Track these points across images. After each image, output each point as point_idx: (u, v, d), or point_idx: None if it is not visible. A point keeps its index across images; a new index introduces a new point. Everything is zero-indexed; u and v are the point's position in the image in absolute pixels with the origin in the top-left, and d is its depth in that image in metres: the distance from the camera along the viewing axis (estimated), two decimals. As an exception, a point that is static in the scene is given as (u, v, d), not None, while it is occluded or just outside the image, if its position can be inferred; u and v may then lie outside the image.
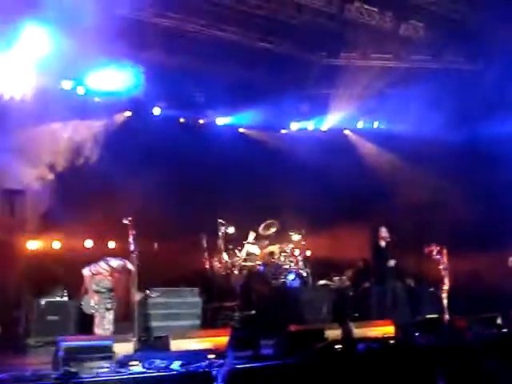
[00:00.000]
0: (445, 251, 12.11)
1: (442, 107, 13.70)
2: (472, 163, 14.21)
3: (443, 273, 11.84)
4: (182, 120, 13.86)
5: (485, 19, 12.00)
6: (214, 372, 5.59)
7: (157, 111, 13.24)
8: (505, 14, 11.77)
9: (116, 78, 11.91)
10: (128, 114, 13.00)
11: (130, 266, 9.03)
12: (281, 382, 7.30)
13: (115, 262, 9.31)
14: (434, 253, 11.99)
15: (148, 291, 10.01)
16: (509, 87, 13.06)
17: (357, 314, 11.33)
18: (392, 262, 11.50)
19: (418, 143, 14.52)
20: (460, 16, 12.15)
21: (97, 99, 12.20)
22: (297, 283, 11.82)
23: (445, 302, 11.50)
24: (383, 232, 11.76)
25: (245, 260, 11.66)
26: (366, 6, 11.85)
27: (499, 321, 10.57)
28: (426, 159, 14.41)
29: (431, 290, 12.05)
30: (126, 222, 8.77)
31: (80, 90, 11.95)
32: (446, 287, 11.61)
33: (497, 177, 13.67)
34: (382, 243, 11.76)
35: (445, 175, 14.09)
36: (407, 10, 12.06)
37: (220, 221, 11.53)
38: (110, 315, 9.17)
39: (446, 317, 11.21)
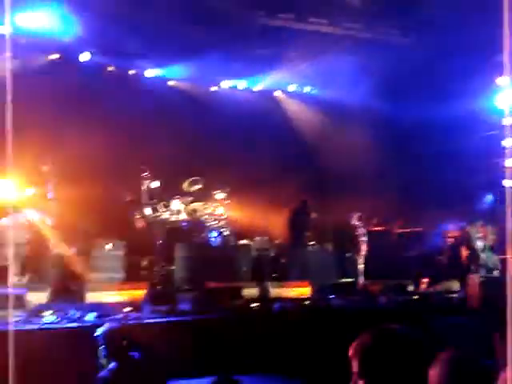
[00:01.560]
0: (363, 218, 12.46)
1: (370, 77, 13.88)
2: (392, 135, 14.57)
3: (361, 239, 12.20)
4: (110, 68, 13.43)
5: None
6: (98, 332, 5.50)
7: (85, 57, 12.77)
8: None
9: (45, 19, 11.40)
10: (55, 56, 12.50)
11: (47, 220, 8.83)
12: (196, 336, 7.36)
13: (33, 215, 9.08)
14: (353, 219, 12.31)
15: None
16: (437, 64, 13.34)
17: (275, 275, 11.50)
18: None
19: (345, 110, 14.74)
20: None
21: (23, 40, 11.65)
22: (218, 241, 11.85)
23: (360, 267, 11.86)
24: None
25: (168, 215, 11.56)
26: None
27: (410, 287, 11.01)
28: (352, 127, 14.65)
29: (348, 254, 12.35)
30: (45, 168, 8.50)
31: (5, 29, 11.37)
32: (362, 253, 11.98)
33: (412, 151, 14.09)
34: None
35: (368, 144, 14.39)
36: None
37: (144, 174, 11.36)
38: (24, 266, 8.96)
39: (361, 281, 11.58)
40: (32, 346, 5.99)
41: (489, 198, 13.07)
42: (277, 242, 12.97)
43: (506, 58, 2.83)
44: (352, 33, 13.45)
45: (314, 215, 12.46)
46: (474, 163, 13.53)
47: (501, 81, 13.05)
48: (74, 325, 6.96)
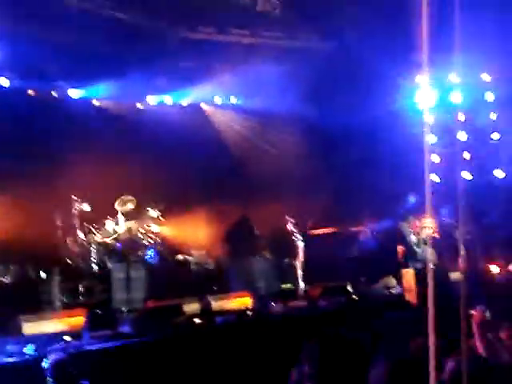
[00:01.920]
0: (299, 223, 12.60)
1: (295, 85, 14.08)
2: (321, 142, 14.79)
3: (298, 244, 12.32)
4: (30, 92, 13.08)
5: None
6: (45, 364, 5.37)
7: (4, 82, 12.43)
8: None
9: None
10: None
11: None
12: (140, 359, 7.26)
13: None
14: (290, 225, 12.42)
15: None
16: (359, 67, 13.65)
17: (215, 288, 11.46)
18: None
19: (274, 119, 14.89)
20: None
21: None
22: (155, 259, 11.74)
23: (299, 272, 11.97)
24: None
25: (101, 237, 11.37)
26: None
27: (349, 288, 11.18)
28: (282, 135, 14.82)
29: (286, 261, 12.44)
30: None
31: None
32: (301, 259, 12.09)
33: (341, 154, 14.34)
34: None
35: (298, 151, 14.57)
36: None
37: (74, 197, 11.14)
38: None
39: (301, 287, 11.68)
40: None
41: (412, 198, 13.41)
42: (215, 255, 12.94)
43: (424, 56, 2.94)
44: (272, 41, 13.65)
45: (252, 227, 12.57)
46: (401, 161, 13.89)
47: (419, 79, 13.47)
48: (13, 359, 6.74)
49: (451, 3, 3.05)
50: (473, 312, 5.09)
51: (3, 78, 12.37)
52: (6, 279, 10.05)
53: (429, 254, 12.11)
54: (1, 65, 11.87)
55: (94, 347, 7.33)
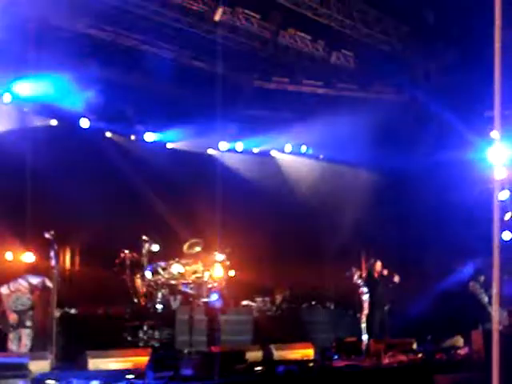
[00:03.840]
0: (364, 275, 12.42)
1: (365, 135, 14.10)
2: (387, 191, 14.67)
3: (362, 297, 12.12)
4: (108, 134, 13.59)
5: (413, 53, 12.50)
6: None
7: (85, 123, 12.97)
8: (434, 47, 12.30)
9: (44, 87, 11.67)
10: (54, 122, 12.71)
11: (48, 283, 8.83)
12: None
13: (34, 279, 9.10)
14: (355, 277, 12.26)
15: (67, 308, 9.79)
16: (429, 120, 13.59)
17: (278, 337, 11.38)
18: None
19: (341, 167, 14.92)
20: (390, 48, 12.60)
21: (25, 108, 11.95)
22: (219, 303, 11.78)
23: (363, 325, 11.75)
24: None
25: (168, 279, 11.53)
26: (299, 33, 12.12)
27: (415, 346, 10.90)
28: (349, 184, 14.79)
29: (350, 313, 12.27)
30: (47, 236, 8.52)
31: (6, 98, 11.69)
32: (365, 311, 11.87)
33: (409, 205, 14.14)
34: None
35: (363, 201, 14.50)
36: (339, 39, 12.42)
37: (144, 238, 11.39)
38: (28, 333, 8.92)
39: (364, 340, 11.45)
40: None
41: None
42: (278, 303, 12.90)
43: (496, 112, 2.94)
44: (345, 93, 13.78)
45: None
46: (472, 217, 13.60)
47: (493, 135, 13.26)
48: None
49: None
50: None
51: (85, 120, 12.91)
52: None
53: (497, 314, 11.72)
54: (84, 107, 12.38)
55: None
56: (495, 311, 4.13)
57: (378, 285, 12.45)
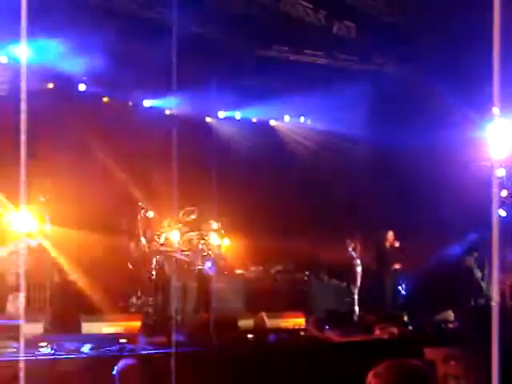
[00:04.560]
0: (359, 248, 12.49)
1: (365, 108, 14.03)
2: (382, 163, 14.65)
3: (356, 269, 12.20)
4: (105, 99, 13.49)
5: (417, 25, 12.36)
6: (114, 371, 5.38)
7: (82, 88, 12.87)
8: (436, 21, 12.17)
9: (41, 50, 11.54)
10: (50, 85, 12.60)
11: (46, 246, 8.85)
12: (192, 368, 7.32)
13: (32, 242, 9.12)
14: (350, 249, 12.33)
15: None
16: (430, 95, 13.48)
17: (270, 306, 11.47)
18: None
19: (340, 140, 14.86)
20: (393, 20, 12.46)
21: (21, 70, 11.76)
22: (213, 271, 11.84)
23: (356, 297, 11.85)
24: None
25: (163, 245, 11.56)
26: (301, 1, 11.97)
27: (406, 318, 11.00)
28: (347, 156, 14.75)
29: (344, 284, 12.35)
30: (42, 199, 8.52)
31: (3, 59, 11.56)
32: (358, 283, 11.98)
33: (405, 180, 14.12)
34: None
35: (360, 174, 14.49)
36: (341, 9, 12.26)
37: (140, 204, 11.39)
38: (24, 295, 8.95)
39: (356, 312, 11.56)
40: (28, 378, 5.94)
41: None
42: (272, 272, 12.96)
43: (495, 88, 2.92)
44: (346, 64, 13.67)
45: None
46: (465, 192, 13.60)
47: (493, 112, 13.18)
48: (71, 356, 6.91)
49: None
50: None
51: (82, 84, 12.80)
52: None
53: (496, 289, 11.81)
54: (80, 70, 12.26)
55: (148, 352, 7.43)
56: (494, 287, 4.13)
57: (388, 255, 12.60)
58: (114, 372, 5.35)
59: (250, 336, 8.66)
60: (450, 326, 11.06)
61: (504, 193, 11.91)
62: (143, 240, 11.20)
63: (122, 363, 5.47)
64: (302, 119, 15.87)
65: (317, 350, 8.54)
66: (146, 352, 7.44)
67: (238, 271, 12.50)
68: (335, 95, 13.62)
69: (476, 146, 13.60)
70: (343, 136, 14.86)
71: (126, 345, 7.55)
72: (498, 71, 2.91)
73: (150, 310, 10.33)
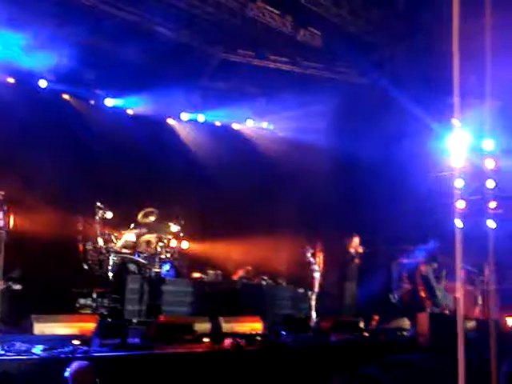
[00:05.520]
0: (318, 254, 12.52)
1: (327, 115, 14.13)
2: (344, 173, 14.76)
3: (314, 275, 12.23)
4: (65, 96, 13.26)
5: (383, 36, 12.51)
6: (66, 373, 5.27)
7: (43, 84, 12.65)
8: (401, 33, 12.34)
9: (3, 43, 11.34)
10: (11, 80, 12.35)
11: None
12: (147, 372, 7.24)
13: None
14: (308, 255, 12.36)
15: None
16: (392, 106, 13.63)
17: (227, 310, 11.42)
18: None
19: (301, 147, 14.93)
20: (358, 30, 12.59)
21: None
22: (171, 274, 11.75)
23: (313, 303, 11.88)
24: None
25: (120, 247, 11.42)
26: (267, 7, 12.01)
27: (362, 325, 11.09)
28: (307, 163, 14.81)
29: (301, 290, 12.38)
30: (-1, 195, 8.31)
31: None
32: (315, 289, 12.00)
33: (363, 190, 14.23)
34: None
35: (321, 180, 14.57)
36: (308, 17, 12.33)
37: (98, 204, 11.21)
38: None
39: (313, 317, 11.59)
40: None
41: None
42: (230, 276, 12.92)
43: (456, 99, 2.96)
44: (310, 71, 13.75)
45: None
46: (425, 202, 13.80)
47: (453, 122, 13.39)
48: (22, 357, 6.74)
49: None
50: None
51: (43, 81, 12.58)
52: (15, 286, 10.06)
53: (447, 299, 12.04)
54: (41, 66, 12.05)
55: (102, 355, 7.31)
56: (459, 296, 4.17)
57: (352, 260, 12.70)
58: (67, 374, 5.26)
59: (205, 340, 8.60)
60: (405, 333, 11.20)
61: (461, 204, 12.08)
62: (100, 241, 11.04)
63: (74, 365, 5.37)
64: (264, 124, 15.92)
65: (273, 355, 8.53)
66: (100, 354, 7.31)
67: (196, 275, 12.43)
68: (298, 102, 13.72)
69: (435, 156, 13.83)
70: (304, 143, 14.94)
71: (80, 346, 7.42)
72: (457, 84, 2.95)
73: (105, 312, 10.17)
